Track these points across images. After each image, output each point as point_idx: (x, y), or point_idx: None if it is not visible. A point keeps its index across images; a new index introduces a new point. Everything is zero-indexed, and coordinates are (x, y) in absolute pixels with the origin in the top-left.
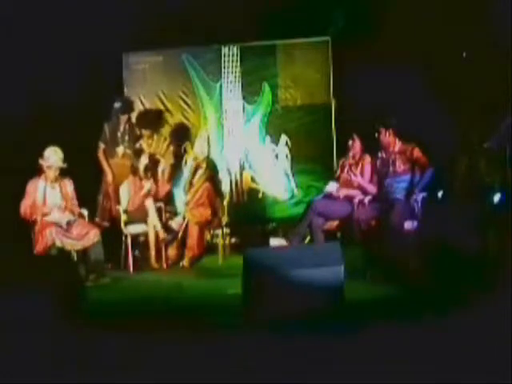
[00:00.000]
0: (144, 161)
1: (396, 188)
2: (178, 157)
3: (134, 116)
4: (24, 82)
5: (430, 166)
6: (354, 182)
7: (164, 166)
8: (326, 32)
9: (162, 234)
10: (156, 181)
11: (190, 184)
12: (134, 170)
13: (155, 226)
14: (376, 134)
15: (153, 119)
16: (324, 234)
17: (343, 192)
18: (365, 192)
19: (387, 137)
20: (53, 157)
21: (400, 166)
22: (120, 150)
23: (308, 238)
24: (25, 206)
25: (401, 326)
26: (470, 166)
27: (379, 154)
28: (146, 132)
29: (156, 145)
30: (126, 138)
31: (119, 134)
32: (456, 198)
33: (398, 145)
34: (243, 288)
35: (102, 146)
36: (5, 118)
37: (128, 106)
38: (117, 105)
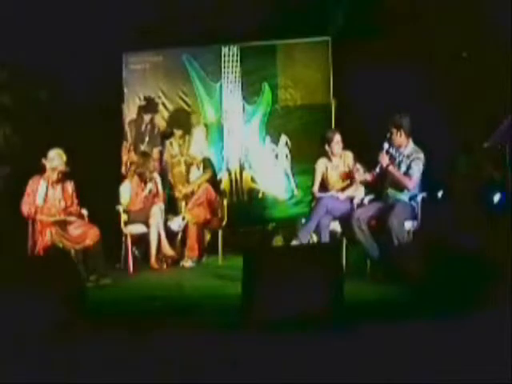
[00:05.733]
0: (151, 164)
1: (397, 188)
2: None
3: (157, 116)
4: (23, 82)
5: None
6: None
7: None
8: (326, 32)
9: (166, 248)
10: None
11: (187, 182)
12: (140, 173)
13: (159, 233)
14: (388, 134)
15: (185, 119)
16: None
17: (342, 194)
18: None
19: (398, 137)
20: (57, 160)
21: (403, 169)
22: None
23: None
24: (27, 205)
25: (401, 326)
26: (470, 166)
27: (389, 151)
28: (177, 132)
29: (187, 145)
30: (146, 138)
31: (140, 134)
32: (456, 198)
33: (408, 148)
34: (243, 288)
35: (124, 144)
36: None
37: (152, 106)
38: (141, 104)
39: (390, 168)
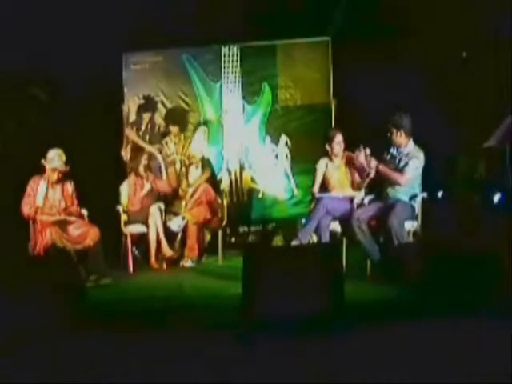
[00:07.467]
0: (144, 160)
1: (397, 187)
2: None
3: (156, 115)
4: (23, 82)
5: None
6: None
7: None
8: (326, 32)
9: (165, 248)
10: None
11: (187, 182)
12: (135, 170)
13: (158, 233)
14: (388, 134)
15: (182, 117)
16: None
17: (342, 194)
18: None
19: (398, 137)
20: (57, 160)
21: (403, 168)
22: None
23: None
24: (27, 205)
25: (401, 327)
26: (470, 166)
27: (390, 150)
28: (173, 129)
29: (183, 143)
30: (147, 137)
31: (141, 133)
32: (456, 198)
33: (408, 147)
34: (243, 288)
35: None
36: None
37: (151, 105)
38: (140, 103)
39: (381, 167)
